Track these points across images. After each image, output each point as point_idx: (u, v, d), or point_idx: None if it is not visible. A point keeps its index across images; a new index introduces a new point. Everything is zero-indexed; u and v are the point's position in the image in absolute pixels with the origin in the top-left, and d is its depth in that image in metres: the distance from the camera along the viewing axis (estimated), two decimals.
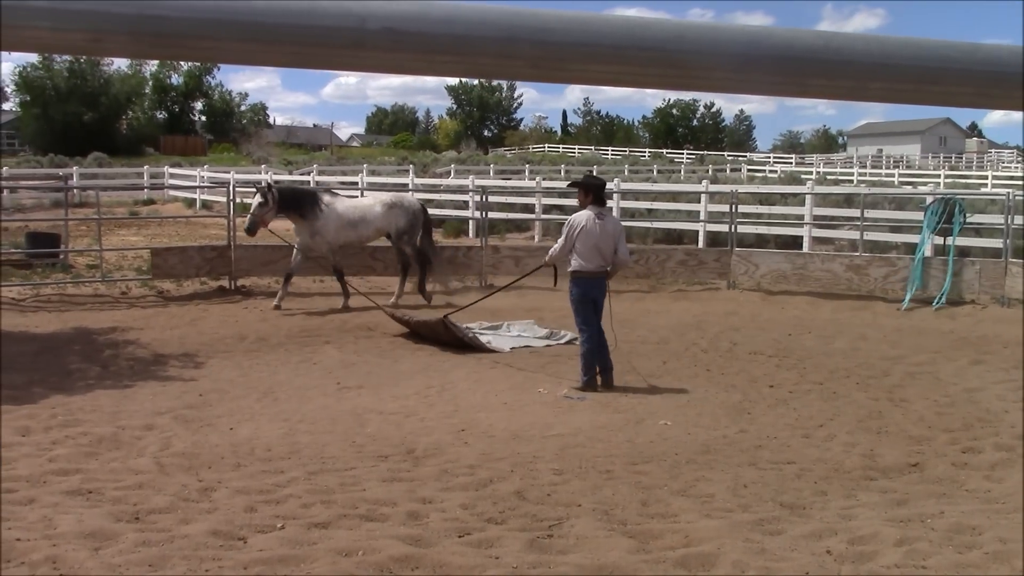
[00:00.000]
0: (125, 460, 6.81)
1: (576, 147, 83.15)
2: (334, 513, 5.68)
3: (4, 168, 38.82)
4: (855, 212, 18.21)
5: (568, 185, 11.56)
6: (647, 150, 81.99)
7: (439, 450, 7.17)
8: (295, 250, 14.50)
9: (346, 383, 9.44)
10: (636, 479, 6.51)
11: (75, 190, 30.03)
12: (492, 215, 20.20)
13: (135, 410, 8.26)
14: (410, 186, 29.39)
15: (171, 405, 8.42)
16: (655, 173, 46.66)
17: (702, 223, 20.37)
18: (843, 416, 8.35)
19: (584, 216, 9.25)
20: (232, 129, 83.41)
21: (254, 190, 14.24)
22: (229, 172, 36.03)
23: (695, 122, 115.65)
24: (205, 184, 33.65)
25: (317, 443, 7.32)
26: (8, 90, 71.79)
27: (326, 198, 14.49)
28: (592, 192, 9.43)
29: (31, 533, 5.21)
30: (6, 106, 75.05)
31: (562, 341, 11.75)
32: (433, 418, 8.17)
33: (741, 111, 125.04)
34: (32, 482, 6.23)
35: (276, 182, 14.93)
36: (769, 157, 74.26)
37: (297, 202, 14.03)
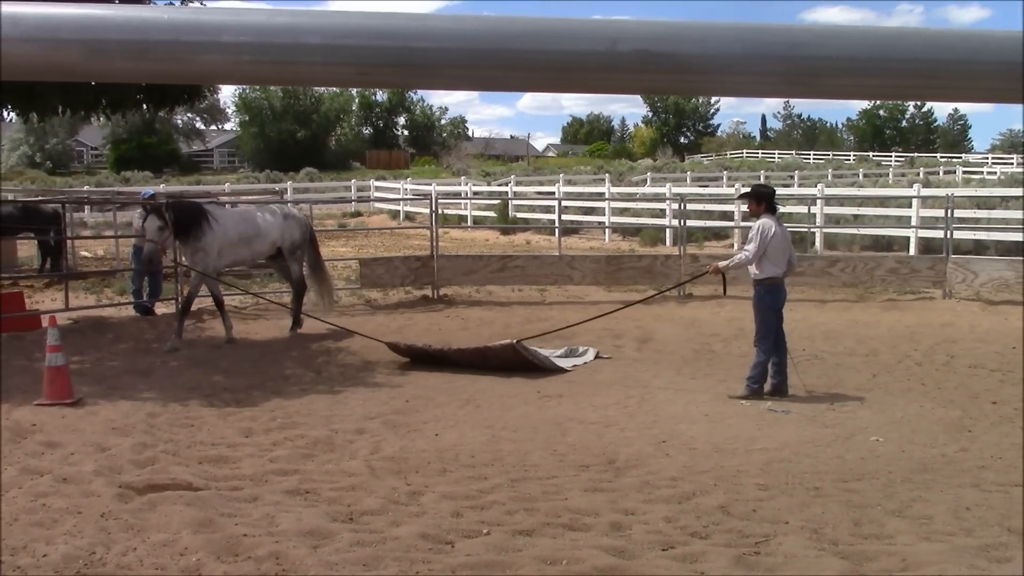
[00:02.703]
0: (339, 462, 7.11)
1: (776, 152, 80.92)
2: (537, 521, 5.73)
3: (226, 184, 41.53)
4: None
5: (738, 197, 11.36)
6: (852, 153, 78.86)
7: (640, 461, 7.12)
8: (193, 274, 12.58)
9: (546, 392, 9.53)
10: (847, 497, 6.25)
11: (289, 204, 31.64)
12: (690, 223, 19.95)
13: (347, 414, 8.62)
14: (606, 195, 29.44)
15: (380, 410, 8.74)
16: (861, 177, 44.87)
17: (913, 229, 19.38)
18: None
19: (772, 222, 9.19)
20: (433, 142, 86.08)
21: (142, 210, 12.07)
22: (431, 184, 37.19)
23: (904, 123, 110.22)
24: (408, 196, 34.86)
25: (519, 451, 7.42)
26: (229, 111, 76.83)
27: (214, 211, 12.60)
28: (765, 201, 9.37)
29: (256, 529, 5.52)
30: (227, 126, 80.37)
31: (589, 359, 11.22)
32: (633, 428, 8.14)
33: (955, 110, 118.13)
34: (255, 481, 6.61)
35: (153, 196, 12.47)
36: (987, 158, 69.78)
37: (190, 220, 11.88)
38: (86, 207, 30.56)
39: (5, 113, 14.88)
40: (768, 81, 0.89)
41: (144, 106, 14.40)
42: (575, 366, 10.85)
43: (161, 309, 14.94)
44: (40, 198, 25.03)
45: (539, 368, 10.45)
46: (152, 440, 7.62)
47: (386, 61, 0.85)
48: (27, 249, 21.48)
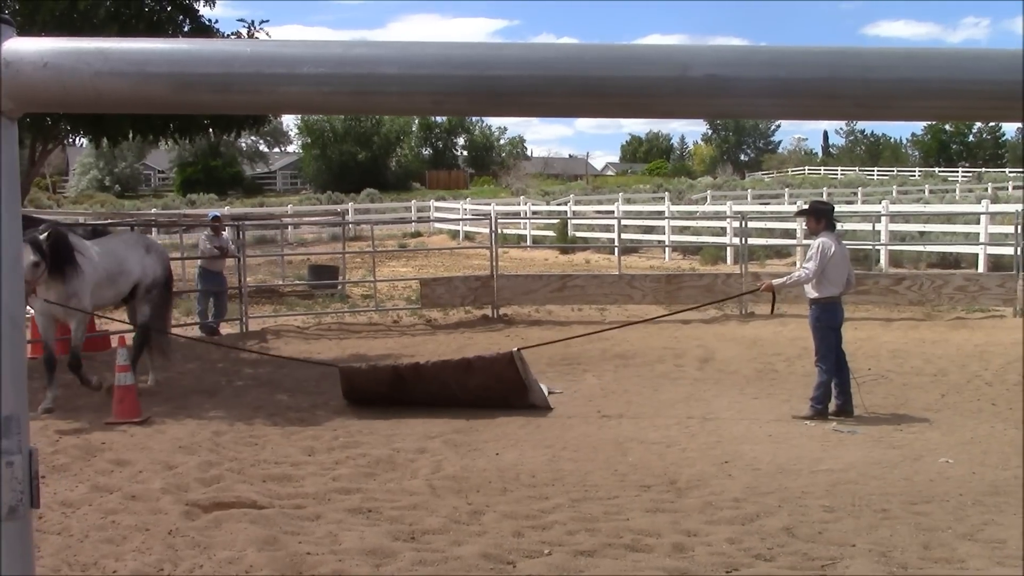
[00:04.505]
0: (400, 481, 7.15)
1: (839, 168, 79.79)
2: (599, 542, 5.70)
3: (288, 206, 42.15)
4: None
5: (796, 214, 11.15)
6: (917, 169, 77.46)
7: (702, 482, 7.06)
8: (44, 326, 9.91)
9: (606, 411, 9.50)
10: (916, 520, 6.12)
11: (350, 224, 32.12)
12: (751, 241, 19.77)
13: (408, 433, 8.66)
14: (666, 213, 29.34)
15: (441, 430, 8.77)
16: (927, 193, 44.13)
17: (982, 246, 18.98)
18: None
19: (832, 241, 9.12)
20: (492, 162, 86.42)
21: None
22: (490, 204, 37.36)
23: (971, 138, 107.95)
24: (468, 216, 35.06)
25: (580, 471, 7.40)
26: (291, 133, 78.08)
27: (77, 243, 9.96)
28: (824, 217, 9.27)
29: (319, 548, 5.57)
30: (290, 148, 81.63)
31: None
32: (695, 449, 8.06)
33: None
34: (318, 499, 6.67)
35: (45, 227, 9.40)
36: None
37: (61, 254, 9.43)
38: (154, 229, 31.18)
39: (76, 139, 15.28)
40: (839, 104, 0.89)
41: (211, 131, 14.70)
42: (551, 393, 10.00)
43: (226, 329, 15.19)
44: (109, 221, 25.63)
45: (517, 406, 9.34)
46: (218, 458, 7.74)
47: (461, 89, 0.87)
48: None
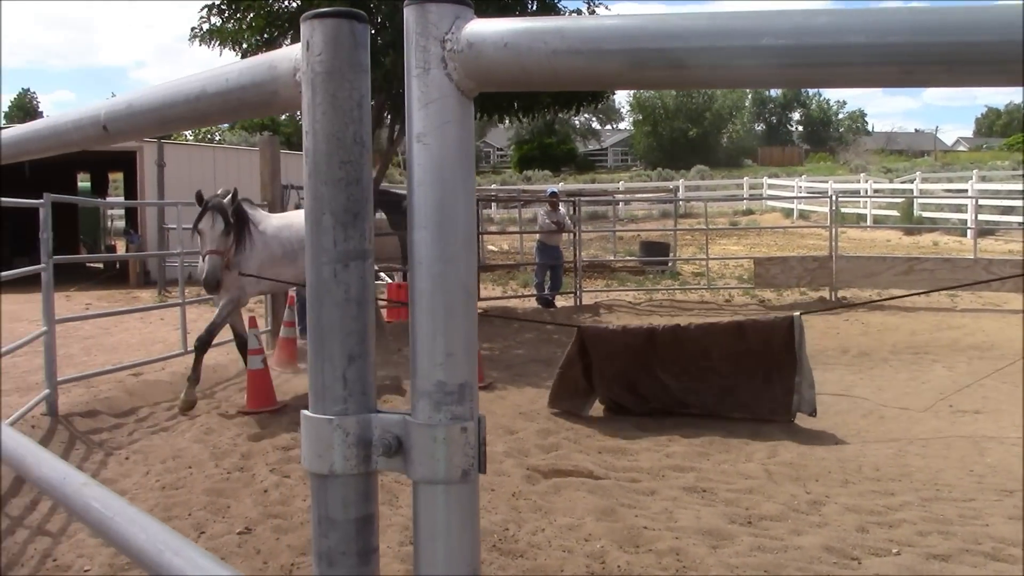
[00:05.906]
0: (735, 463, 7.04)
1: None
2: (954, 546, 5.30)
3: (620, 182, 42.76)
4: None
5: None
6: None
7: None
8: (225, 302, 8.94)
9: (960, 407, 8.81)
10: None
11: (681, 201, 31.99)
12: None
13: (742, 415, 8.49)
14: None
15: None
16: None
17: None
18: None
19: None
20: (829, 138, 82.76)
21: (200, 206, 8.31)
22: (827, 181, 35.84)
23: None
24: (803, 194, 33.82)
25: (930, 468, 6.92)
26: (623, 111, 79.11)
27: (253, 214, 9.21)
28: None
29: (655, 523, 5.61)
30: (621, 125, 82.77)
31: None
32: None
33: None
34: (653, 475, 6.72)
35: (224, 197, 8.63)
36: None
37: (239, 223, 8.75)
38: (493, 204, 32.81)
39: None
40: None
41: (552, 108, 15.13)
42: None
43: (560, 302, 15.68)
44: None
45: (776, 401, 8.21)
46: (555, 427, 8.01)
47: (934, 58, 0.79)
48: None
